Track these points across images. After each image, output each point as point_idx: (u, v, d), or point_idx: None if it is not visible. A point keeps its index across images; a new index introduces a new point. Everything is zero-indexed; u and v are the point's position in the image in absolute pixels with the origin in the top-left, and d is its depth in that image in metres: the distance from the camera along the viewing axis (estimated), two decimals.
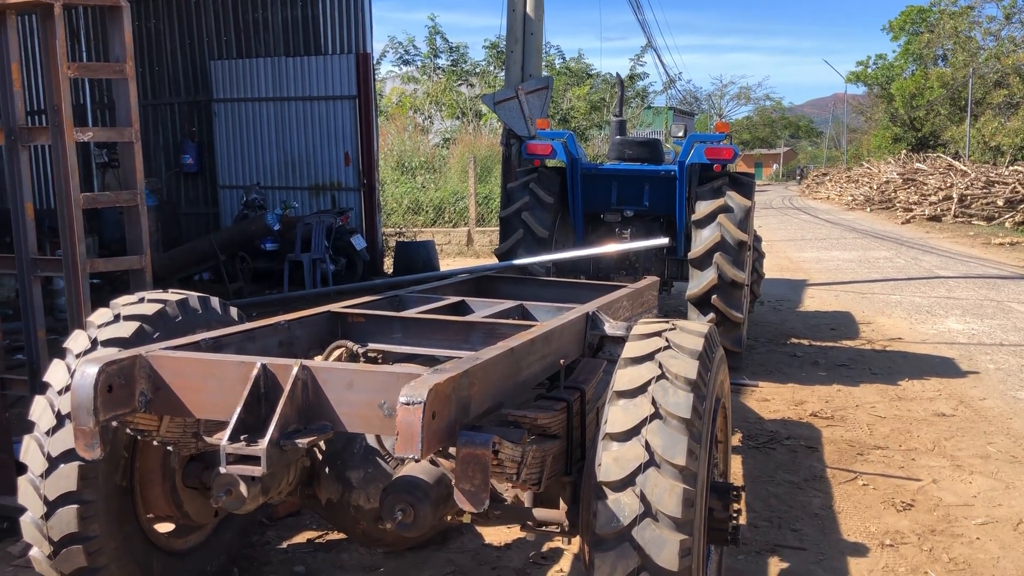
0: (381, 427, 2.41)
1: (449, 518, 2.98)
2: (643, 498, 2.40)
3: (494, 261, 14.64)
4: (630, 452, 2.44)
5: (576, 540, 3.59)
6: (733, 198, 6.79)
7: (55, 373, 3.01)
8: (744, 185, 7.00)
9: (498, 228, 18.02)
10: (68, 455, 2.88)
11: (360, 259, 11.80)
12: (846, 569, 3.79)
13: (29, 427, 3.02)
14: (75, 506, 2.89)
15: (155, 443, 2.81)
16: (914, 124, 45.38)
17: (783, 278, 13.35)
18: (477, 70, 30.18)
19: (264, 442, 2.31)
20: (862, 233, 22.05)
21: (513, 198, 7.29)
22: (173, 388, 2.55)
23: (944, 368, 7.42)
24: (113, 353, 2.57)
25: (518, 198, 7.24)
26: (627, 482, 2.42)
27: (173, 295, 3.32)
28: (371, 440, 3.08)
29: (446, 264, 14.26)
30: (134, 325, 3.09)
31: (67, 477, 2.88)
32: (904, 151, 40.05)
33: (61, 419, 2.92)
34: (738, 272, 6.62)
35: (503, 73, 30.92)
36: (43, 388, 3.03)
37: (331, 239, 11.28)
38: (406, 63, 30.92)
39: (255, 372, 2.45)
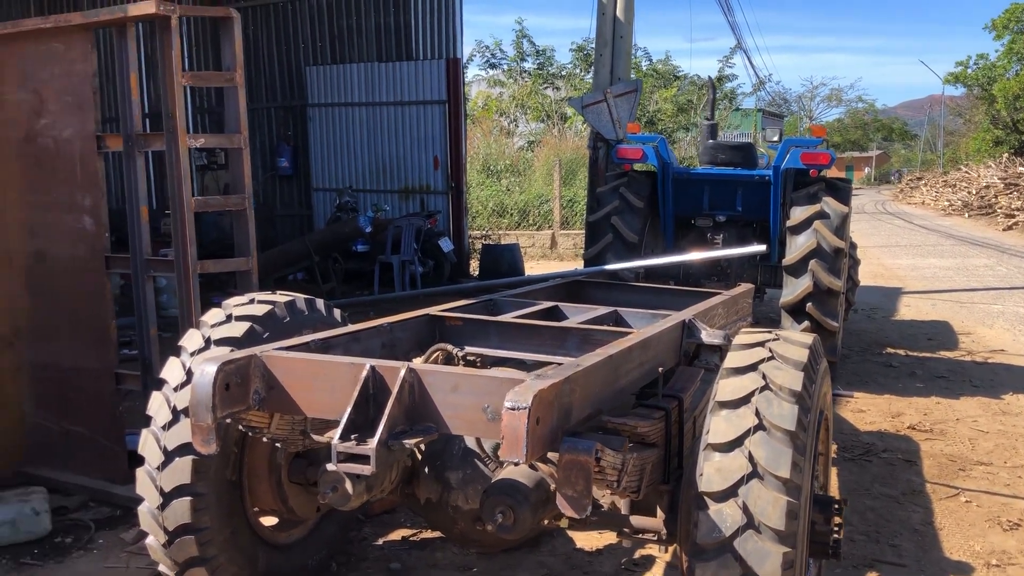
0: (484, 430, 2.46)
1: (546, 522, 3.01)
2: (746, 509, 2.38)
3: (578, 264, 14.63)
4: (733, 463, 2.43)
5: (671, 549, 3.59)
6: (829, 204, 6.66)
7: (171, 370, 3.15)
8: (841, 191, 6.85)
9: (582, 232, 18.08)
10: (183, 449, 3.02)
11: (447, 261, 11.94)
12: None
13: (145, 421, 3.17)
14: (189, 498, 3.02)
15: (265, 439, 2.92)
16: (1017, 127, 43.56)
17: (877, 285, 12.99)
18: (563, 73, 30.20)
19: (374, 442, 2.38)
20: (960, 240, 21.30)
21: (602, 202, 7.29)
22: (286, 387, 2.64)
23: None
24: (230, 352, 2.68)
25: (608, 202, 7.23)
26: (730, 493, 2.41)
27: (281, 297, 3.44)
28: (470, 442, 3.13)
29: (530, 267, 14.33)
30: (245, 325, 3.21)
31: (182, 470, 3.01)
32: (1006, 154, 38.47)
33: (177, 415, 3.05)
34: (834, 280, 6.48)
35: (589, 75, 30.87)
36: (159, 384, 3.18)
37: (420, 241, 11.46)
38: (492, 66, 31.17)
39: (364, 373, 2.53)
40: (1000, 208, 27.91)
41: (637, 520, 2.89)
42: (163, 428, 3.06)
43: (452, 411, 2.47)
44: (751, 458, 2.42)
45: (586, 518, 2.90)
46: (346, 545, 4.00)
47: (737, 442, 2.45)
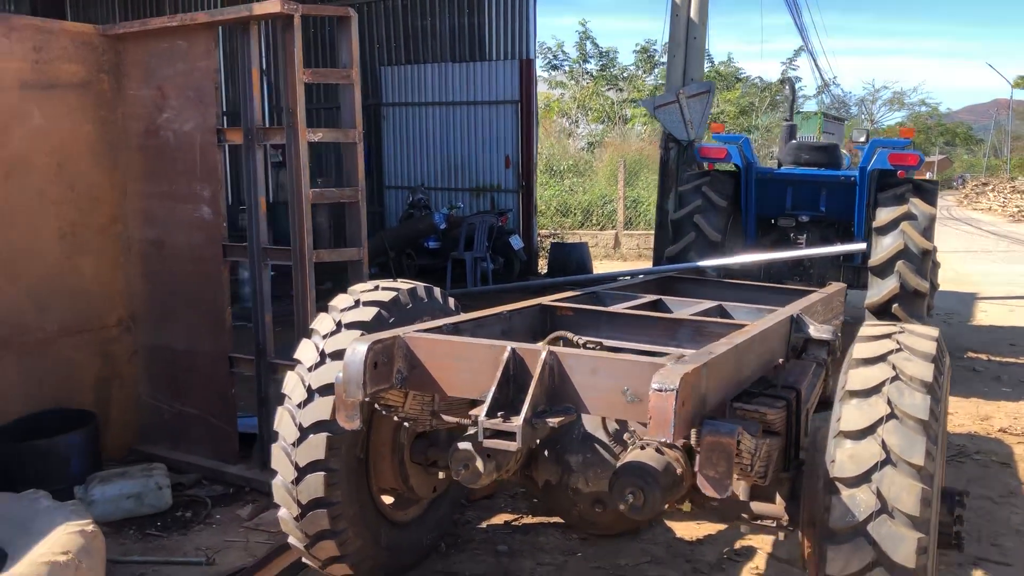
0: (624, 412, 2.56)
1: (667, 505, 3.10)
2: (879, 495, 2.44)
3: (642, 264, 14.58)
4: (866, 450, 2.49)
5: (773, 539, 3.65)
6: (917, 205, 6.63)
7: (305, 352, 3.30)
8: (928, 192, 6.82)
9: (646, 232, 18.07)
10: (318, 426, 3.17)
11: (517, 259, 12.07)
12: None
13: (279, 400, 3.33)
14: (322, 473, 3.17)
15: (395, 418, 3.04)
16: None
17: (951, 291, 12.79)
18: (625, 75, 30.20)
19: (520, 419, 2.50)
20: None
21: (685, 201, 7.34)
22: (427, 367, 2.77)
23: None
24: (378, 333, 2.82)
25: (690, 201, 7.29)
26: (863, 479, 2.47)
27: (404, 284, 3.58)
28: (589, 427, 3.22)
29: (595, 267, 14.39)
30: (373, 310, 3.35)
31: (316, 446, 3.17)
32: None
33: (312, 393, 3.21)
34: (921, 281, 6.47)
35: (651, 77, 30.73)
36: (294, 364, 3.33)
37: (491, 239, 11.60)
38: (554, 68, 31.28)
39: (505, 355, 2.64)
40: None
41: (758, 507, 2.96)
42: (298, 406, 3.22)
43: (591, 393, 2.57)
44: (884, 445, 2.49)
45: (707, 503, 3.01)
46: (453, 528, 4.13)
47: (870, 430, 2.52)
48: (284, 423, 3.24)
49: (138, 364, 5.04)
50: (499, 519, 4.34)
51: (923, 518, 2.42)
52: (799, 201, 7.41)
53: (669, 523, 4.26)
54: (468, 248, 11.42)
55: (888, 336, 2.78)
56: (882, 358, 2.67)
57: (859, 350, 2.74)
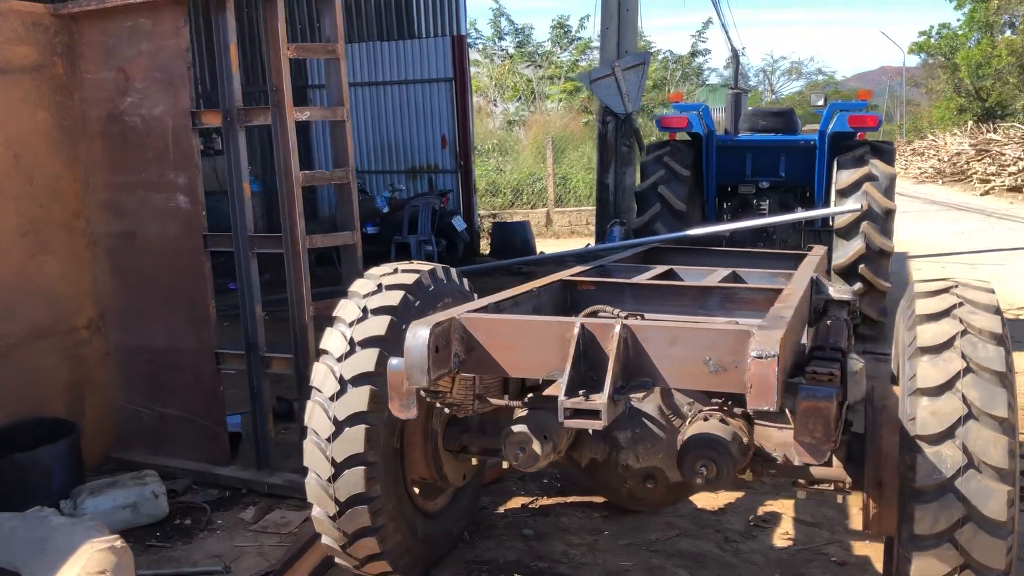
0: (707, 383, 2.47)
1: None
2: (965, 450, 2.43)
3: (576, 241, 14.52)
4: (947, 405, 2.47)
5: (788, 503, 3.64)
6: (877, 166, 6.74)
7: (332, 341, 3.12)
8: (886, 153, 6.94)
9: (577, 209, 18.09)
10: (355, 418, 3.00)
11: (461, 240, 11.91)
12: None
13: (307, 393, 3.14)
14: (362, 467, 3.00)
15: (439, 405, 2.89)
16: (979, 94, 44.24)
17: None
18: (539, 51, 30.12)
19: (604, 396, 2.39)
20: (943, 205, 21.64)
21: (647, 172, 7.29)
22: (488, 348, 2.63)
23: None
24: (434, 316, 2.67)
25: (652, 172, 7.24)
26: (946, 435, 2.45)
27: (422, 266, 3.42)
28: (635, 401, 3.13)
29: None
30: (399, 294, 3.19)
31: (354, 440, 3.00)
32: (971, 122, 39.09)
33: (344, 384, 3.03)
34: (886, 241, 6.58)
35: (565, 54, 30.69)
36: (320, 355, 3.15)
37: (434, 221, 11.40)
38: (468, 46, 30.98)
39: (576, 331, 2.52)
40: (975, 174, 28.39)
41: (818, 471, 2.91)
42: (331, 399, 3.04)
43: (670, 364, 2.48)
44: (965, 400, 2.46)
45: (765, 471, 2.95)
46: (473, 515, 4.00)
47: (947, 385, 2.49)
48: (316, 417, 3.06)
49: (111, 367, 4.73)
50: (515, 503, 4.23)
51: (1010, 470, 2.41)
52: (759, 167, 7.46)
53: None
54: (412, 231, 11.20)
55: (946, 291, 2.76)
56: (947, 313, 2.65)
57: (922, 306, 2.70)
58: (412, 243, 11.12)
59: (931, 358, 2.56)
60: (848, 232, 6.68)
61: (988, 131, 33.35)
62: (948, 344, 2.57)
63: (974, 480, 2.42)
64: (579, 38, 29.05)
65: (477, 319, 2.66)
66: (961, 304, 2.68)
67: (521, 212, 18.24)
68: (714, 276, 3.89)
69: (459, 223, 11.89)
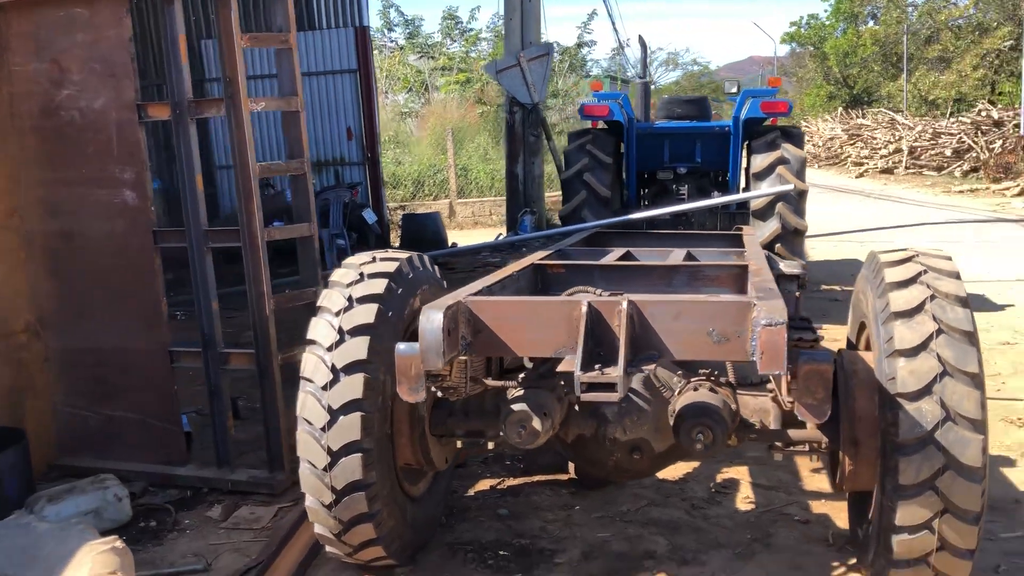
0: (710, 352, 2.61)
1: None
2: (943, 404, 2.64)
3: (483, 232, 14.55)
4: (924, 364, 2.68)
5: (746, 468, 3.81)
6: (789, 150, 7.08)
7: (320, 330, 3.12)
8: (796, 137, 7.29)
9: (480, 200, 18.19)
10: (350, 406, 3.02)
11: (372, 233, 11.82)
12: (1005, 479, 4.13)
13: (297, 384, 3.13)
14: (359, 454, 3.03)
15: (433, 388, 2.94)
16: (847, 81, 46.48)
17: None
18: (429, 43, 30.02)
19: (619, 369, 2.49)
20: (822, 188, 22.69)
21: (571, 160, 7.45)
22: (495, 330, 2.70)
23: (980, 303, 7.86)
24: (443, 299, 2.71)
25: (576, 160, 7.40)
26: (925, 391, 2.66)
27: (400, 254, 3.45)
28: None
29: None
30: (384, 282, 3.21)
31: (350, 427, 3.02)
32: (840, 108, 41.06)
33: (337, 373, 3.04)
34: (800, 220, 6.93)
35: (455, 45, 30.64)
36: (308, 345, 3.14)
37: (345, 214, 11.28)
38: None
39: (584, 309, 2.62)
40: (848, 158, 29.89)
41: (796, 433, 3.09)
42: (324, 388, 3.04)
43: (675, 337, 2.61)
44: (940, 359, 2.68)
45: (746, 436, 3.12)
46: (448, 499, 4.05)
47: (923, 346, 2.70)
48: (309, 407, 3.06)
49: (51, 371, 4.56)
50: (483, 485, 4.30)
51: (983, 421, 2.64)
52: (677, 154, 7.72)
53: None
54: (323, 225, 11.02)
55: (910, 260, 2.97)
56: (915, 280, 2.86)
57: (891, 274, 2.91)
58: (324, 237, 10.95)
59: (905, 322, 2.77)
60: (764, 213, 7.00)
61: (857, 117, 35.13)
62: (920, 308, 2.78)
63: (952, 432, 2.64)
64: (470, 30, 29.09)
65: (484, 302, 2.73)
66: (926, 271, 2.90)
67: (423, 204, 18.20)
68: (672, 256, 4.06)
69: (370, 216, 11.79)
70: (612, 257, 4.06)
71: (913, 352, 2.71)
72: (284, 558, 3.54)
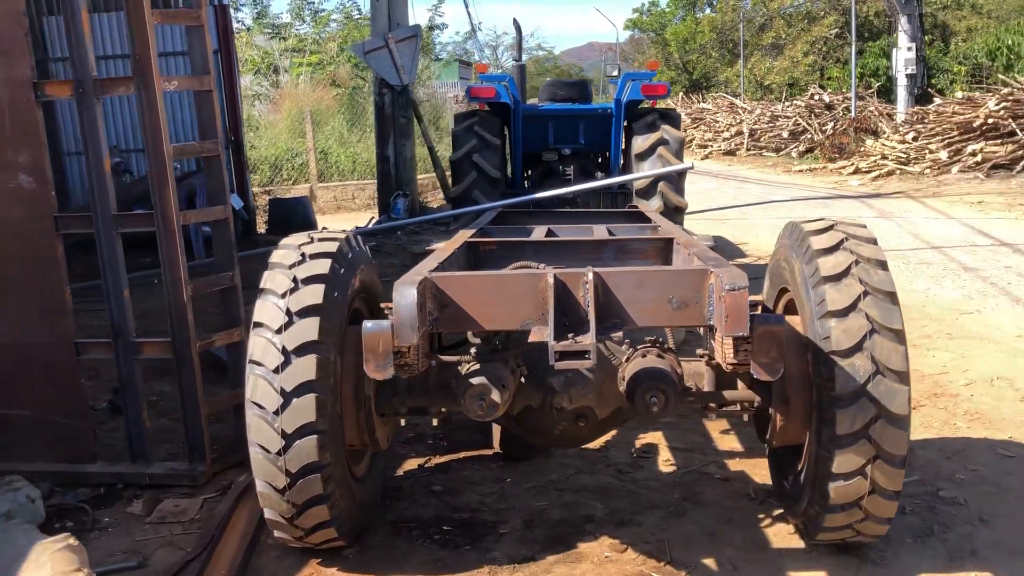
0: (669, 319, 2.75)
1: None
2: (873, 359, 2.89)
3: (345, 216, 14.32)
4: (854, 323, 2.92)
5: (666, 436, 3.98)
6: (668, 131, 7.38)
7: (267, 312, 3.08)
8: (673, 119, 7.61)
9: (341, 184, 17.91)
10: (303, 388, 2.99)
11: (239, 218, 11.46)
12: None
13: (243, 368, 3.07)
14: (314, 436, 3.01)
15: (395, 366, 2.95)
16: (687, 67, 48.41)
17: None
18: (276, 23, 29.21)
19: (591, 336, 2.59)
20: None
21: (460, 142, 7.49)
22: (461, 305, 2.74)
23: None
24: (412, 275, 2.72)
25: (465, 142, 7.45)
26: (856, 348, 2.90)
27: (337, 234, 3.42)
28: (560, 347, 3.32)
29: None
30: (327, 262, 3.19)
31: (305, 409, 2.99)
32: (681, 93, 42.75)
33: (288, 355, 3.01)
34: (680, 198, 7.24)
35: (304, 26, 29.89)
36: (254, 327, 3.08)
37: (210, 200, 10.88)
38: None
39: (551, 281, 2.70)
40: (693, 140, 31.18)
41: (731, 394, 3.29)
42: (275, 371, 3.00)
43: (637, 305, 2.73)
44: (868, 318, 2.92)
45: (684, 399, 3.29)
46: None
47: (852, 307, 2.94)
48: (260, 391, 3.01)
49: None
50: (411, 464, 4.32)
51: (907, 373, 2.91)
52: (560, 135, 7.89)
53: None
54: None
55: (831, 228, 3.20)
56: (838, 246, 3.10)
57: (816, 242, 3.13)
58: (191, 224, 10.56)
59: (834, 285, 3.00)
60: (647, 192, 7.28)
61: (699, 101, 36.69)
62: (846, 272, 3.02)
63: (882, 384, 2.89)
64: (322, 11, 28.49)
65: (450, 277, 2.77)
66: (847, 238, 3.14)
67: (283, 189, 17.74)
68: (590, 234, 4.19)
69: (236, 201, 11.42)
70: (539, 234, 4.15)
71: (843, 312, 2.95)
72: (224, 548, 3.46)
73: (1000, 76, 19.29)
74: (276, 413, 3.00)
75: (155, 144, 3.87)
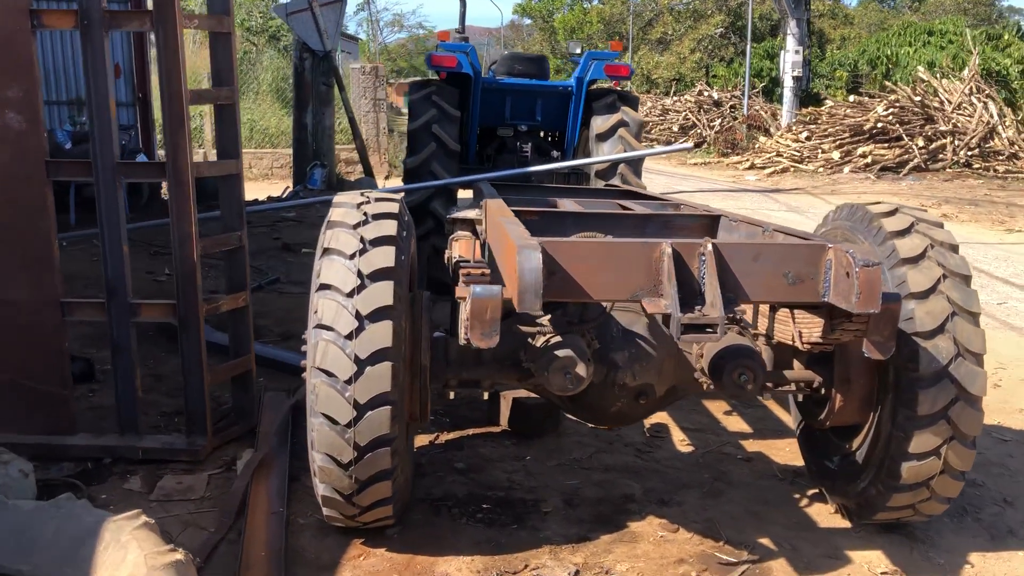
0: (785, 294, 2.69)
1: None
2: (955, 341, 2.93)
3: (254, 185, 13.65)
4: (937, 306, 2.96)
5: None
6: (628, 113, 7.34)
7: (336, 274, 2.85)
8: (632, 100, 7.57)
9: (254, 152, 17.16)
10: (379, 355, 2.80)
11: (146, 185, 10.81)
12: None
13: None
14: (388, 407, 2.83)
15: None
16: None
17: None
18: None
19: (719, 310, 2.50)
20: None
21: (417, 111, 7.20)
22: (571, 272, 2.59)
23: None
24: (532, 241, 2.55)
25: (423, 111, 7.17)
26: (939, 330, 2.94)
27: (392, 195, 3.22)
28: (624, 321, 3.23)
29: None
30: (394, 223, 3.00)
31: (380, 378, 2.81)
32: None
33: (362, 320, 2.81)
34: (640, 181, 7.23)
35: None
36: (323, 288, 2.85)
37: None
38: None
39: (668, 251, 2.59)
40: None
41: (792, 374, 3.28)
42: (347, 337, 2.78)
43: (752, 279, 2.65)
44: (949, 300, 2.97)
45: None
46: None
47: (933, 289, 2.98)
48: (332, 358, 2.78)
49: None
50: (423, 440, 4.15)
51: (983, 355, 2.97)
52: (517, 111, 7.71)
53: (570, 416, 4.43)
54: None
55: (897, 211, 3.23)
56: (910, 229, 3.12)
57: (889, 224, 3.15)
58: None
59: (914, 267, 3.02)
60: (607, 174, 7.23)
61: None
62: (923, 255, 3.05)
63: (963, 365, 2.94)
64: None
65: (560, 243, 2.61)
66: (918, 221, 3.17)
67: None
68: (608, 208, 4.10)
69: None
70: (570, 206, 4.03)
71: (925, 294, 2.98)
72: (255, 527, 3.21)
73: (886, 83, 20.33)
74: (348, 382, 2.78)
75: (172, 88, 3.53)
